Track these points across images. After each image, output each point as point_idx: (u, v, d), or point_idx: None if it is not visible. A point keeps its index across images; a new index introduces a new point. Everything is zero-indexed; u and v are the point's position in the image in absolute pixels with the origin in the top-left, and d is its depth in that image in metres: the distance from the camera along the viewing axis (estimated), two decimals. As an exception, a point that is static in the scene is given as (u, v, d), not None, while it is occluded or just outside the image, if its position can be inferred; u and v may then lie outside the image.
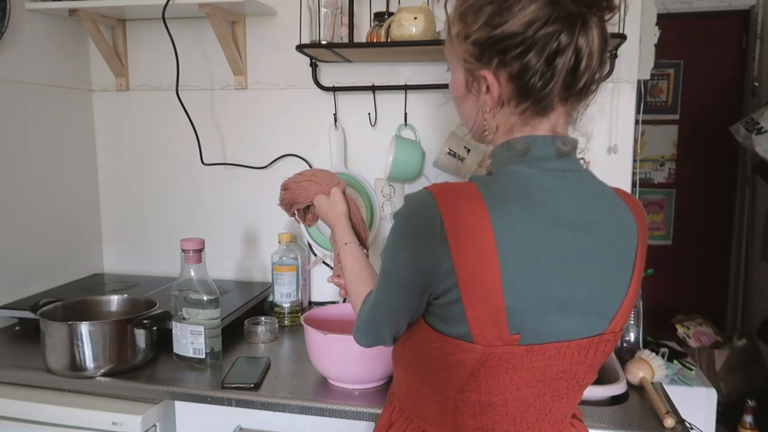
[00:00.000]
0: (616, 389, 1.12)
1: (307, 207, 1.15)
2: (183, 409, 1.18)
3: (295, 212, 1.18)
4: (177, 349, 1.24)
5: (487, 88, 0.71)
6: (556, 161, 0.71)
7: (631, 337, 1.29)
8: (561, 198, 0.69)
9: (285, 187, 1.16)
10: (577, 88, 0.69)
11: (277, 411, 1.10)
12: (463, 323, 0.67)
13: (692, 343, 2.66)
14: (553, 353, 0.71)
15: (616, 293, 0.73)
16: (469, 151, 1.43)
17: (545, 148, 0.71)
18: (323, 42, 1.43)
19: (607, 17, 0.69)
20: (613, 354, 1.24)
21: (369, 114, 1.60)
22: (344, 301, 1.26)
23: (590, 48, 0.67)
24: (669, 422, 1.00)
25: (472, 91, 0.74)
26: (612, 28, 1.44)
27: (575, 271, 0.69)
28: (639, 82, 1.48)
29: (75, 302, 1.32)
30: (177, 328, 1.23)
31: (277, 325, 1.44)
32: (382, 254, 0.74)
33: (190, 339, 1.21)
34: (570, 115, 0.74)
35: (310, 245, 1.66)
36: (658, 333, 2.32)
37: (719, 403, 1.98)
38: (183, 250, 1.22)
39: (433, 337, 0.71)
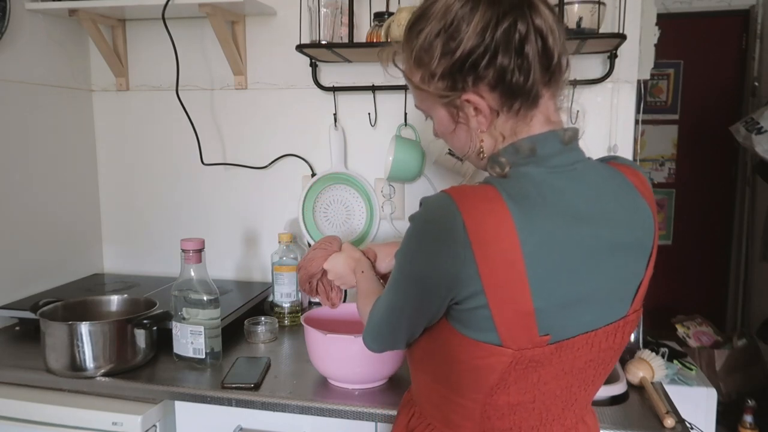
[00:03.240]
0: (616, 389, 1.12)
1: (323, 278, 1.11)
2: (183, 409, 1.18)
3: (318, 290, 1.13)
4: (177, 349, 1.24)
5: (475, 109, 0.71)
6: (562, 156, 0.71)
7: (631, 337, 1.29)
8: (573, 194, 0.69)
9: (299, 269, 1.13)
10: (554, 66, 0.70)
11: (277, 411, 1.10)
12: (491, 329, 0.66)
13: (692, 343, 2.66)
14: (582, 344, 0.71)
15: (637, 274, 0.74)
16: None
17: (549, 144, 0.70)
18: (323, 42, 1.43)
19: None
20: (613, 354, 1.25)
21: (369, 114, 1.60)
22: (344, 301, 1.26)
23: (548, 24, 0.68)
24: (669, 422, 1.00)
25: (461, 121, 0.74)
26: (612, 28, 1.45)
27: (598, 264, 0.69)
28: (639, 82, 1.48)
29: (75, 302, 1.32)
30: (177, 328, 1.23)
31: (277, 325, 1.44)
32: (397, 257, 0.73)
33: (190, 339, 1.21)
34: (557, 98, 0.74)
35: (310, 245, 1.66)
36: (658, 333, 2.32)
37: (719, 403, 1.98)
38: (183, 250, 1.22)
39: (459, 341, 0.70)
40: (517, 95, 0.69)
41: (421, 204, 0.70)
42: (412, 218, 0.71)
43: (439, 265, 0.66)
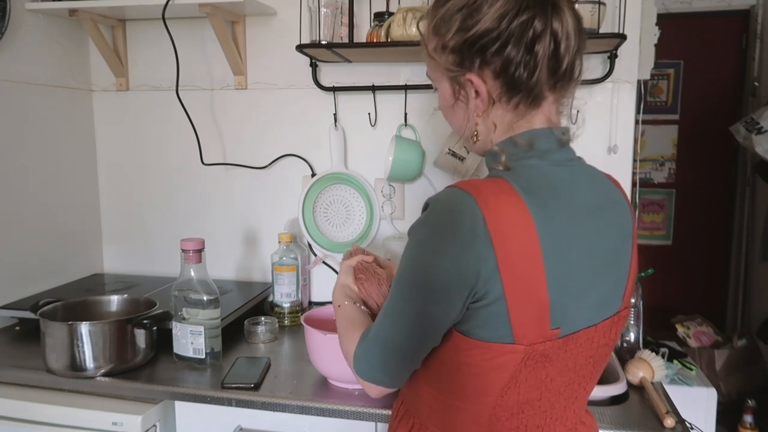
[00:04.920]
0: (616, 389, 1.12)
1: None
2: (183, 409, 1.18)
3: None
4: (177, 349, 1.24)
5: (476, 92, 0.72)
6: (560, 153, 0.72)
7: (631, 337, 1.29)
8: (576, 187, 0.71)
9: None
10: (562, 71, 0.70)
11: (277, 411, 1.10)
12: (504, 324, 0.66)
13: (692, 343, 2.66)
14: (584, 340, 0.72)
15: (625, 269, 0.76)
16: (469, 151, 1.43)
17: (547, 141, 0.72)
18: (323, 42, 1.43)
19: None
20: (613, 354, 1.25)
21: (369, 114, 1.60)
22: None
23: (566, 30, 0.68)
24: (669, 422, 1.00)
25: (460, 98, 0.75)
26: (612, 28, 1.45)
27: (598, 255, 0.71)
28: (639, 82, 1.48)
29: (75, 302, 1.32)
30: (177, 328, 1.23)
31: (277, 325, 1.44)
32: (408, 268, 0.69)
33: (190, 339, 1.21)
34: (560, 103, 0.75)
35: (310, 245, 1.66)
36: (658, 333, 2.32)
37: (719, 403, 1.98)
38: (183, 250, 1.22)
39: (466, 345, 0.69)
40: (519, 90, 0.70)
41: (426, 206, 0.69)
42: (426, 219, 0.68)
43: (461, 265, 0.64)
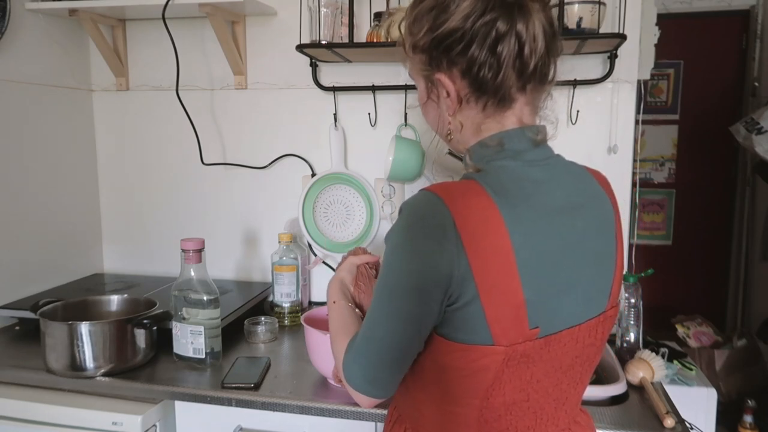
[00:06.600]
0: (616, 389, 1.12)
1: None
2: (183, 409, 1.18)
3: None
4: (177, 349, 1.24)
5: (447, 92, 0.73)
6: (534, 151, 0.72)
7: (631, 337, 1.29)
8: (551, 186, 0.71)
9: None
10: (529, 73, 0.70)
11: (277, 411, 1.10)
12: (482, 326, 0.66)
13: (692, 343, 2.66)
14: (568, 339, 0.72)
15: (610, 267, 0.76)
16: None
17: (519, 141, 0.72)
18: (323, 42, 1.43)
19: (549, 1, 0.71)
20: (613, 354, 1.25)
21: (369, 114, 1.60)
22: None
23: (532, 32, 0.68)
24: (669, 422, 1.00)
25: (432, 97, 0.76)
26: (612, 28, 1.45)
27: (577, 253, 0.70)
28: (639, 82, 1.48)
29: (75, 302, 1.32)
30: (177, 328, 1.23)
31: (277, 325, 1.44)
32: (385, 275, 0.70)
33: (190, 339, 1.21)
34: (534, 105, 0.75)
35: (310, 245, 1.66)
36: (658, 333, 2.31)
37: (719, 403, 1.98)
38: (183, 250, 1.22)
39: (448, 349, 0.69)
40: (485, 91, 0.70)
41: (401, 210, 0.70)
42: (398, 226, 0.69)
43: (433, 266, 0.65)
